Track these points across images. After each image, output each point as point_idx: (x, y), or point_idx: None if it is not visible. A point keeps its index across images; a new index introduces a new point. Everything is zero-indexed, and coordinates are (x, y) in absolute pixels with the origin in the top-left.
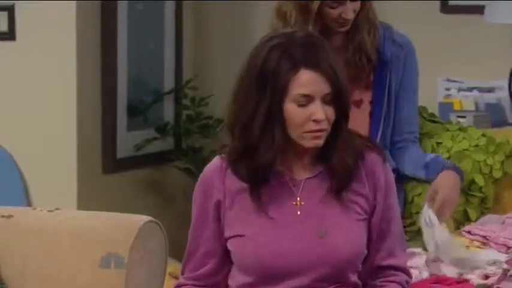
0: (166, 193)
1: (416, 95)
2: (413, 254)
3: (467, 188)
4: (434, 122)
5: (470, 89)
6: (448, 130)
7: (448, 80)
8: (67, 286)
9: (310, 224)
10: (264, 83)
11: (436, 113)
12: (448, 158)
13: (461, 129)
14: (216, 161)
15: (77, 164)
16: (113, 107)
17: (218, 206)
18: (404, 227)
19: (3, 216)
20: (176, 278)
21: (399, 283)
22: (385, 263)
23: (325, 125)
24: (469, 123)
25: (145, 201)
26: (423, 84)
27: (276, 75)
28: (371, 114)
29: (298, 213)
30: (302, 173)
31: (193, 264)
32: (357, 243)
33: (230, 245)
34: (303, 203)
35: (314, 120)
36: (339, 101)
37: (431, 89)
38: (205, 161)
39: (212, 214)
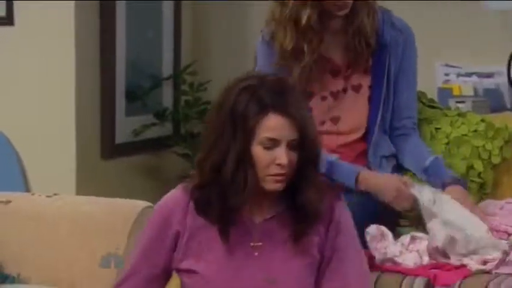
0: (164, 179)
1: (416, 80)
2: (415, 239)
3: (466, 174)
4: (433, 107)
5: (469, 75)
6: (447, 115)
7: (447, 65)
8: (64, 275)
9: (262, 268)
10: (234, 125)
11: (435, 98)
12: (447, 143)
13: (460, 114)
14: (178, 193)
15: (75, 149)
16: (111, 92)
17: (176, 237)
18: (402, 213)
19: (1, 202)
20: None
21: None
22: None
23: (287, 170)
24: (467, 109)
25: (144, 186)
26: (422, 70)
27: (245, 118)
28: (370, 99)
29: (256, 254)
30: (262, 214)
31: (131, 285)
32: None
33: (182, 276)
34: (260, 244)
35: (278, 164)
36: (305, 147)
37: (430, 75)
38: None
39: (169, 243)
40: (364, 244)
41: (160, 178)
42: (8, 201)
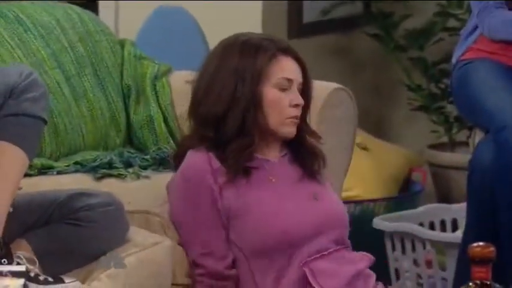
0: (353, 59)
1: None
2: None
3: None
4: None
5: None
6: None
7: None
8: None
9: (302, 192)
10: (242, 73)
11: None
12: None
13: None
14: (199, 158)
15: (261, 29)
16: None
17: (215, 201)
18: None
19: None
20: (364, 149)
21: None
22: None
23: (301, 111)
24: None
25: (332, 68)
26: None
27: (256, 63)
28: None
29: (291, 185)
30: (274, 155)
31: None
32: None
33: (233, 222)
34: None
35: (295, 105)
36: (307, 93)
37: None
38: (396, 26)
39: (217, 214)
40: None
41: (349, 59)
42: None
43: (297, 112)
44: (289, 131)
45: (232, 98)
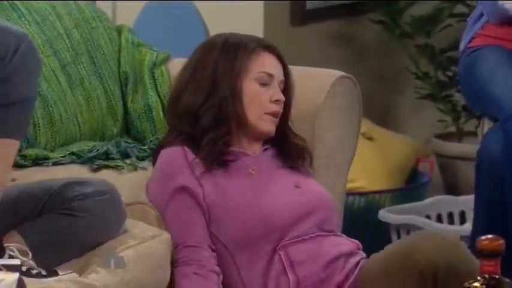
0: (358, 47)
1: None
2: None
3: None
4: None
5: None
6: None
7: None
8: None
9: (283, 181)
10: (222, 67)
11: None
12: None
13: None
14: (174, 152)
15: (263, 16)
16: None
17: (193, 193)
18: None
19: None
20: (369, 139)
21: None
22: None
23: (281, 108)
24: None
25: (336, 55)
26: None
27: (236, 57)
28: None
29: (274, 175)
30: (253, 149)
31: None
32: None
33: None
34: (263, 171)
35: (275, 101)
36: (288, 92)
37: None
38: (401, 12)
39: (197, 204)
40: None
41: (354, 46)
42: None
43: (277, 108)
44: (268, 127)
45: (211, 90)
